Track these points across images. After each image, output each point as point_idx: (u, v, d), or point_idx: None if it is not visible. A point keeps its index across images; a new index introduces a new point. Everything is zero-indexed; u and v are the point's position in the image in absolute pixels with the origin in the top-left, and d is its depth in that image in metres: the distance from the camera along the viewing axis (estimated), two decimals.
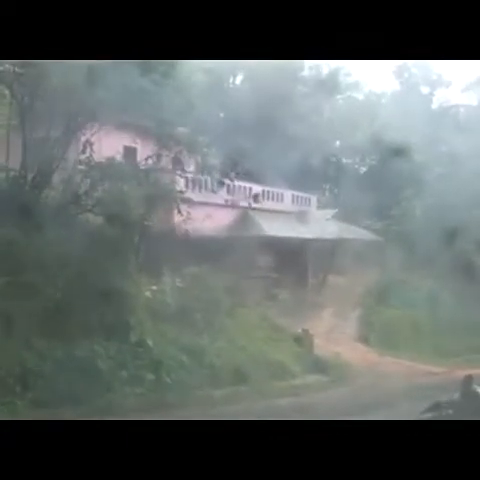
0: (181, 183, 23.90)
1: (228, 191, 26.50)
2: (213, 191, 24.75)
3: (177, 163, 23.33)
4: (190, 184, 25.66)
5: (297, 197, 32.55)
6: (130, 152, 23.69)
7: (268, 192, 30.83)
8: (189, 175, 24.85)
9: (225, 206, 26.94)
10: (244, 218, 28.84)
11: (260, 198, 29.29)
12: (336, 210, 32.34)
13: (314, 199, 33.51)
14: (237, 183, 26.38)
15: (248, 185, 28.77)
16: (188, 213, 22.28)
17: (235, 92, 31.36)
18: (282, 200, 31.66)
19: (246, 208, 28.53)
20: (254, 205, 28.44)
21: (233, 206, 27.45)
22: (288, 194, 31.91)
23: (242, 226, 28.25)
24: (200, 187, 25.91)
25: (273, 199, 31.35)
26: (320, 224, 31.24)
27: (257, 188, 29.50)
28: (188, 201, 23.04)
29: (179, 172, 23.44)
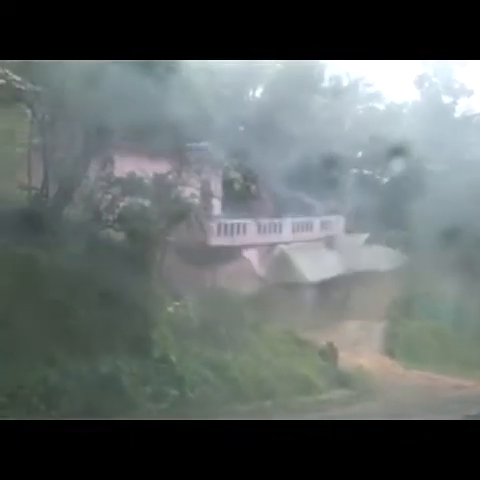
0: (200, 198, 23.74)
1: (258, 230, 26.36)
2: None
3: (198, 178, 23.19)
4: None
5: (325, 223, 31.96)
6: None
7: (297, 223, 30.33)
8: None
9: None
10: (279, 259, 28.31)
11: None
12: (367, 234, 31.66)
13: (341, 221, 33.00)
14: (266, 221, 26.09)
15: (276, 220, 28.39)
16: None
17: (255, 105, 31.32)
18: (311, 229, 31.04)
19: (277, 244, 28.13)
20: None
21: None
22: (317, 221, 31.24)
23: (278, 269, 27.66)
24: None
25: (303, 229, 30.87)
26: (353, 253, 30.61)
27: (286, 221, 28.93)
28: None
29: (200, 187, 23.35)
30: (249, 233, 26.80)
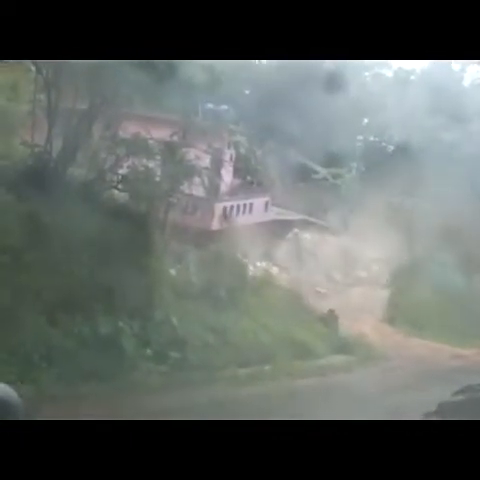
0: (207, 160, 23.63)
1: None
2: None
3: (204, 140, 23.03)
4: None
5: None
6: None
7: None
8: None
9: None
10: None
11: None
12: None
13: None
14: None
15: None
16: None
17: (261, 69, 30.97)
18: None
19: None
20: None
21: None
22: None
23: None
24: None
25: None
26: None
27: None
28: None
29: (205, 148, 23.12)
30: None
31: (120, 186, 21.41)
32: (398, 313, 26.37)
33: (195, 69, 20.15)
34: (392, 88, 34.24)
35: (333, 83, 26.73)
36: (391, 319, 26.49)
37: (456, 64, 39.94)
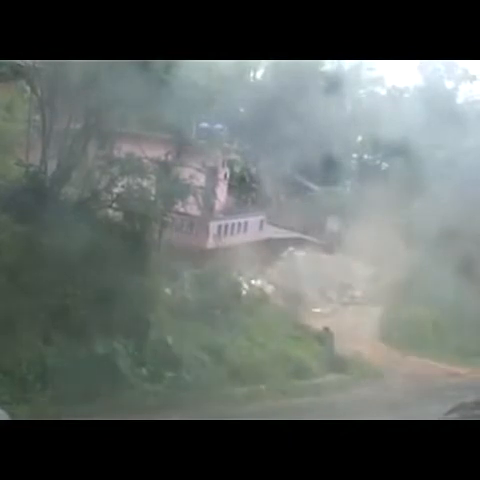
0: (201, 179, 23.66)
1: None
2: None
3: (198, 159, 23.14)
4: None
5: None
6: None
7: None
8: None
9: None
10: None
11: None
12: None
13: None
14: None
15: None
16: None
17: (255, 86, 31.11)
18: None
19: None
20: None
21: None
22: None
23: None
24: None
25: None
26: None
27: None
28: None
29: (199, 167, 23.17)
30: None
31: (115, 205, 21.37)
32: (394, 331, 26.34)
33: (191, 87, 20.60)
34: (386, 105, 34.40)
35: (330, 98, 27.00)
36: (387, 337, 26.43)
37: (449, 82, 40.35)
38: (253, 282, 25.04)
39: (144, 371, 18.59)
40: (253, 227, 27.03)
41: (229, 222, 25.85)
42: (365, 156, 34.53)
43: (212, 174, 24.47)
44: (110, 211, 21.63)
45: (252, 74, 31.33)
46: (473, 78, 41.24)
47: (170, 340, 19.70)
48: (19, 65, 20.29)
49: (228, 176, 25.39)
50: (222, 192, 25.34)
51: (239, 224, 26.30)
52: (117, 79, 18.78)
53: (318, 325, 24.46)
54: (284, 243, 28.07)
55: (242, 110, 25.06)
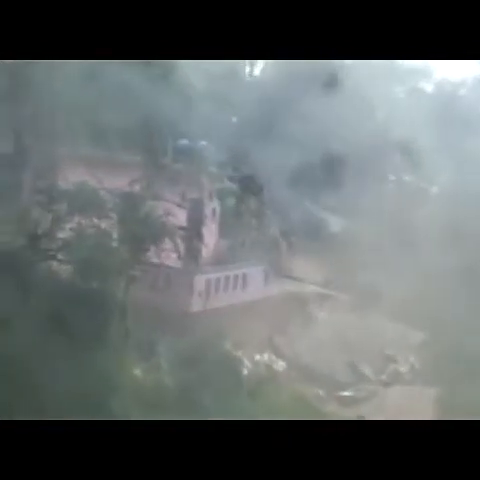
0: (181, 216, 21.60)
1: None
2: None
3: (176, 189, 21.06)
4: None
5: None
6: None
7: None
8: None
9: None
10: None
11: None
12: None
13: None
14: None
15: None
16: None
17: (256, 86, 29.99)
18: None
19: None
20: None
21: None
22: None
23: None
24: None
25: None
26: None
27: None
28: None
29: (178, 200, 21.08)
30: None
31: (60, 256, 19.65)
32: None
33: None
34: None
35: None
36: None
37: None
38: (257, 357, 22.79)
39: None
40: (254, 280, 24.94)
41: (221, 275, 23.67)
42: (406, 177, 32.57)
43: (196, 209, 22.34)
44: (54, 263, 19.87)
45: (248, 69, 29.95)
46: None
47: None
48: None
49: (218, 211, 23.08)
50: (210, 234, 23.14)
51: (235, 277, 24.14)
52: (59, 79, 18.25)
53: (349, 414, 21.71)
54: (298, 301, 25.71)
55: (235, 119, 22.90)
